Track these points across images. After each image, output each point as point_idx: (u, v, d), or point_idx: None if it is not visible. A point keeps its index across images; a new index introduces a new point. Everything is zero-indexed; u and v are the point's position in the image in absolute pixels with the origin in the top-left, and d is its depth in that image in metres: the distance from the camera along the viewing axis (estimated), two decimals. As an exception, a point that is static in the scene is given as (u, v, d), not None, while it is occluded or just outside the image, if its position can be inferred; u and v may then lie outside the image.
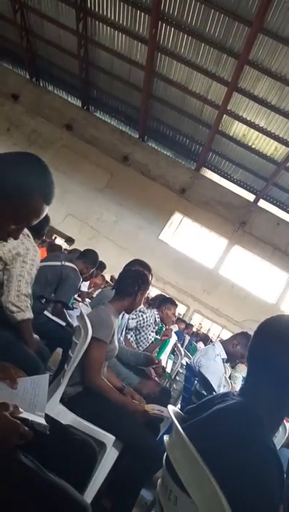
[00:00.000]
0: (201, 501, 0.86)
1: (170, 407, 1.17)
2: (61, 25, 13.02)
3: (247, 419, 0.95)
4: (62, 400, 2.07)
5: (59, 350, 3.77)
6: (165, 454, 1.07)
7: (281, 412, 1.02)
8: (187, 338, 10.25)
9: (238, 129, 12.70)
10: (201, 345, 9.79)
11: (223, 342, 3.62)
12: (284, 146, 12.05)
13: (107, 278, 9.24)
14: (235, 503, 0.78)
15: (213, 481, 0.83)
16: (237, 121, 12.34)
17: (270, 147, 12.52)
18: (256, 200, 14.89)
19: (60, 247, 8.59)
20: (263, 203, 14.92)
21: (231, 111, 12.08)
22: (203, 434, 0.94)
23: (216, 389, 3.06)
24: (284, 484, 0.91)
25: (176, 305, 4.64)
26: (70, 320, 3.75)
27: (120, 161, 15.35)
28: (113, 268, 7.27)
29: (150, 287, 3.42)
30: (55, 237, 13.35)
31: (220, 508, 0.80)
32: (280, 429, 3.27)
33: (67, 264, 3.80)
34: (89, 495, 1.81)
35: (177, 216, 15.38)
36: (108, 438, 2.00)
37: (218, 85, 11.50)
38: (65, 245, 12.11)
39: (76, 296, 5.29)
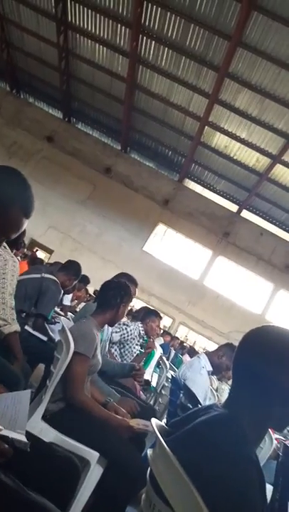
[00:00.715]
0: None
1: (153, 421, 1.15)
2: (42, 38, 13.06)
3: (230, 430, 0.94)
4: (44, 417, 2.03)
5: (41, 366, 3.64)
6: (149, 468, 1.06)
7: (265, 423, 1.01)
8: (173, 351, 10.14)
9: (219, 141, 12.85)
10: (187, 357, 9.67)
11: (208, 354, 3.54)
12: (265, 157, 12.22)
13: (91, 291, 9.09)
14: None
15: (195, 493, 0.83)
16: (219, 133, 12.49)
17: (252, 158, 12.69)
18: (239, 211, 15.03)
19: (41, 260, 8.43)
20: (246, 214, 15.06)
21: (213, 122, 12.23)
22: (186, 446, 0.94)
23: (201, 402, 2.98)
24: (265, 496, 0.91)
25: (161, 317, 4.55)
26: (51, 334, 3.62)
27: (103, 173, 15.34)
28: (97, 281, 7.14)
29: (134, 300, 3.35)
30: (37, 250, 13.16)
31: None
32: (267, 440, 3.20)
33: (47, 276, 3.67)
34: (73, 513, 1.77)
35: (161, 227, 15.38)
36: (92, 455, 1.95)
37: (199, 97, 11.64)
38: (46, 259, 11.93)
39: (58, 309, 5.14)
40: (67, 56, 13.26)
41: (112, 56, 12.32)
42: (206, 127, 12.44)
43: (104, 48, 12.22)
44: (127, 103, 13.23)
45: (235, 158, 13.05)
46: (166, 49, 11.06)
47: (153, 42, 11.10)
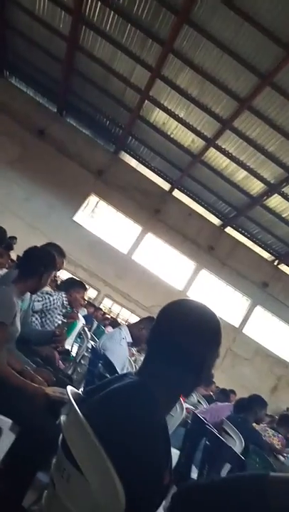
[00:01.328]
0: (94, 477, 0.89)
1: (69, 388, 1.17)
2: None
3: (141, 396, 0.97)
4: None
5: None
6: (61, 434, 1.08)
7: (176, 390, 1.05)
8: (95, 322, 10.23)
9: (158, 117, 12.82)
10: (109, 329, 9.82)
11: (129, 326, 3.64)
12: (201, 139, 12.47)
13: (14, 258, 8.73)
14: (125, 476, 0.81)
15: (105, 457, 0.86)
16: (158, 109, 12.44)
17: (187, 139, 12.87)
18: (171, 190, 15.29)
19: None
20: (177, 193, 15.38)
21: (153, 97, 12.12)
22: (98, 412, 0.96)
23: (119, 372, 3.06)
24: (170, 457, 0.97)
25: (86, 288, 4.54)
26: None
27: (35, 134, 14.57)
28: (21, 248, 6.87)
29: (60, 270, 3.28)
30: None
31: (111, 482, 0.84)
32: (178, 409, 3.40)
33: None
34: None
35: (93, 198, 15.15)
36: (3, 421, 1.95)
37: (142, 69, 11.42)
38: None
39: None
40: (3, 2, 12.14)
41: (53, 10, 11.50)
42: (146, 101, 12.30)
43: (46, 0, 11.37)
44: (67, 64, 12.56)
45: (172, 136, 13.14)
46: (112, 13, 10.58)
47: (99, 3, 10.56)
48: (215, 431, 2.72)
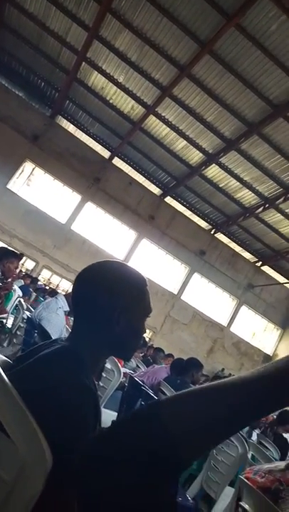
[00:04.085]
0: (21, 441, 0.89)
1: None
2: None
3: (68, 361, 0.98)
4: None
5: None
6: None
7: (101, 351, 1.06)
8: (33, 293, 10.03)
9: (96, 80, 12.36)
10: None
11: (66, 295, 3.60)
12: (140, 106, 12.26)
13: None
14: (52, 438, 0.82)
15: (32, 420, 0.86)
16: (96, 72, 11.97)
17: (127, 105, 12.59)
18: (111, 158, 15.02)
19: None
20: (117, 161, 15.15)
21: (91, 59, 11.62)
22: (26, 378, 0.96)
23: (57, 341, 3.03)
24: (98, 418, 0.98)
25: (19, 258, 4.39)
26: None
27: None
28: None
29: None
30: None
31: (38, 444, 0.85)
32: (116, 373, 3.48)
33: None
34: None
35: (28, 165, 14.46)
36: None
37: (79, 29, 10.82)
38: None
39: None
40: None
41: None
42: (84, 63, 11.77)
43: None
44: (-4, 16, 11.59)
45: (111, 102, 12.78)
46: None
47: None
48: (150, 391, 2.83)
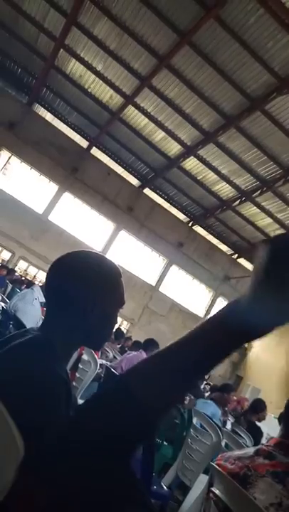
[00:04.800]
0: None
1: None
2: None
3: (39, 350, 0.97)
4: None
5: None
6: None
7: (73, 341, 1.06)
8: (10, 284, 9.88)
9: (74, 68, 12.14)
10: (24, 291, 9.58)
11: (42, 286, 3.55)
12: (119, 96, 12.13)
13: None
14: (23, 425, 0.78)
15: (2, 408, 0.82)
16: (74, 60, 11.75)
17: (106, 94, 12.44)
18: (89, 148, 14.85)
19: None
20: (95, 151, 14.99)
21: (69, 47, 11.39)
22: None
23: (32, 332, 3.00)
24: (70, 408, 0.98)
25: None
26: None
27: None
28: None
29: None
30: None
31: (10, 435, 0.81)
32: (92, 365, 3.48)
33: None
34: None
35: (4, 154, 14.13)
36: None
37: (57, 14, 10.57)
38: None
39: None
40: None
41: None
42: (62, 50, 11.53)
43: None
44: None
45: (89, 90, 12.60)
46: None
47: None
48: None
